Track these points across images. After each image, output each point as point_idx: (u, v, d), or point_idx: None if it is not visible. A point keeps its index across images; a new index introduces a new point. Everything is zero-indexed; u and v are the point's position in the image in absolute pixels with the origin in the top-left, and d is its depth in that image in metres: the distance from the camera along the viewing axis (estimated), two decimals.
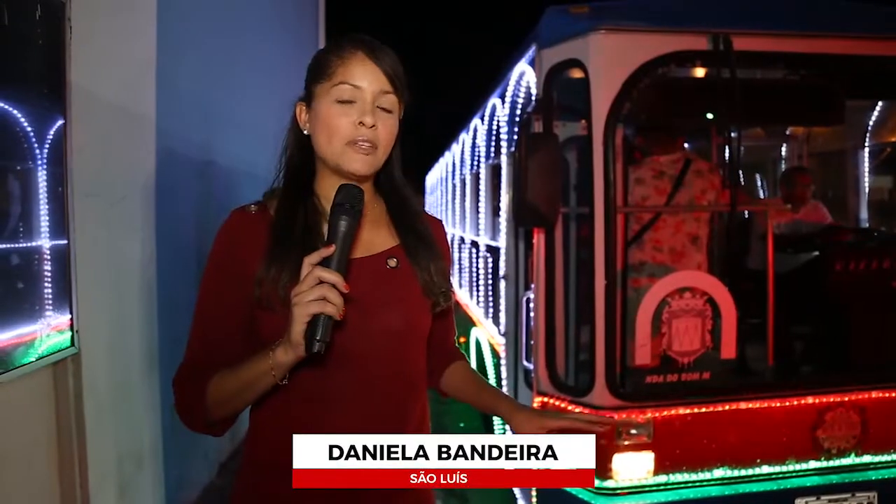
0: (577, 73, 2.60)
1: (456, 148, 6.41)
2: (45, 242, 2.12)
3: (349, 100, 1.12)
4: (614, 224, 2.53)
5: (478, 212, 4.80)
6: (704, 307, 2.61)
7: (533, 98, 2.76)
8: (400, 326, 1.19)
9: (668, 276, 2.64)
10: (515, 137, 3.25)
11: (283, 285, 1.08)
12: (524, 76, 3.12)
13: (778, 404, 2.63)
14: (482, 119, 4.54)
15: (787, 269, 3.10)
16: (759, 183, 5.02)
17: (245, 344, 1.13)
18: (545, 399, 2.74)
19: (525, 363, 3.04)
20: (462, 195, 5.93)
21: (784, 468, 2.64)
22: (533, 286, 2.81)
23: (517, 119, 3.55)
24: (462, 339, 6.25)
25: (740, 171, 2.86)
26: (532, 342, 2.85)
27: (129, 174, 2.56)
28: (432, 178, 10.27)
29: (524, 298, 3.05)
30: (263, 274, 1.10)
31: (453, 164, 6.79)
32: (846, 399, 2.67)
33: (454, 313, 1.42)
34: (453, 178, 6.80)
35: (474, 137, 5.05)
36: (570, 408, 2.66)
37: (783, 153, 4.79)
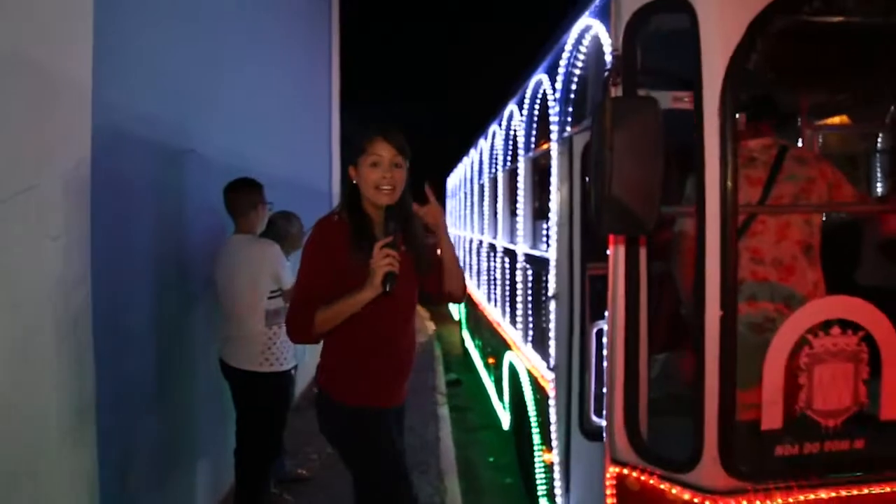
0: (673, 21, 1.86)
1: (484, 144, 5.64)
2: None
3: (376, 163, 2.14)
4: (734, 231, 1.77)
5: (514, 215, 4.02)
6: (858, 348, 1.84)
7: (610, 55, 1.99)
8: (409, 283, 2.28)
9: (808, 304, 1.87)
10: (592, 106, 2.50)
11: (362, 263, 2.06)
12: (588, 33, 2.37)
13: None
14: (519, 106, 3.79)
15: None
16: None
17: (327, 295, 2.11)
18: (623, 470, 1.98)
19: (594, 418, 2.27)
20: (493, 196, 5.16)
21: None
22: (607, 314, 2.03)
23: (572, 96, 2.82)
24: (491, 361, 5.46)
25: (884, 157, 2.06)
26: (605, 390, 2.08)
27: (37, 156, 1.78)
28: (453, 180, 9.50)
29: (594, 330, 2.29)
30: (352, 258, 2.09)
31: (479, 163, 6.04)
32: None
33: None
34: (480, 178, 6.04)
35: (508, 127, 4.29)
36: (663, 486, 1.90)
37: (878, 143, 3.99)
